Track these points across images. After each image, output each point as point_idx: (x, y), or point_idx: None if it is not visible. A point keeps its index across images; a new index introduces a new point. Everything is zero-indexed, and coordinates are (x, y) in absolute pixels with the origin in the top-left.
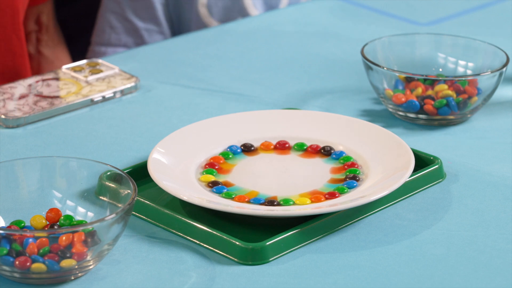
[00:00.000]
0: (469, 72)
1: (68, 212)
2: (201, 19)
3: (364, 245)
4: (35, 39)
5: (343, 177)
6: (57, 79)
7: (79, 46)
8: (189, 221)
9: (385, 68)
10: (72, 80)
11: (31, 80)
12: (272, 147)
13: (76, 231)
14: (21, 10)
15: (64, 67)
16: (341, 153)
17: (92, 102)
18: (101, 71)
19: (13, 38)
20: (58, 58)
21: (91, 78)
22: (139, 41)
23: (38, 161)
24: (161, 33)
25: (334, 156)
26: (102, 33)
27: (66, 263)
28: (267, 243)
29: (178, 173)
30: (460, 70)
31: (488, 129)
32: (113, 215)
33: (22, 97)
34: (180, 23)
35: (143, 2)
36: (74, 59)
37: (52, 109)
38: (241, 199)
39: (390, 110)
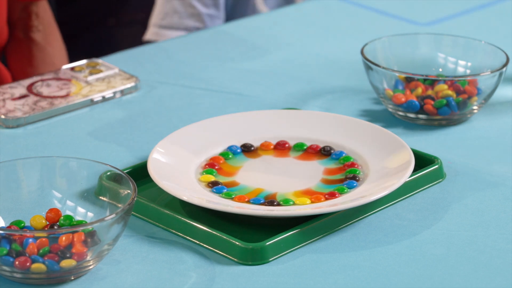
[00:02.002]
0: (469, 72)
1: (68, 212)
2: (256, 7)
3: (364, 245)
4: (25, 25)
5: (343, 177)
6: (57, 79)
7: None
8: (189, 221)
9: (385, 68)
10: (72, 80)
11: (31, 80)
12: (272, 147)
13: (76, 231)
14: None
15: (64, 67)
16: (341, 153)
17: (92, 102)
18: (101, 71)
19: None
20: (49, 43)
21: (91, 78)
22: (201, 25)
23: (38, 161)
24: (220, 18)
25: (334, 156)
26: (166, 16)
27: (66, 263)
28: (267, 243)
29: (178, 173)
30: (460, 70)
31: (488, 129)
32: (113, 215)
33: (22, 97)
34: (236, 9)
35: None
36: (75, 59)
37: (52, 109)
38: (241, 199)
39: (390, 110)
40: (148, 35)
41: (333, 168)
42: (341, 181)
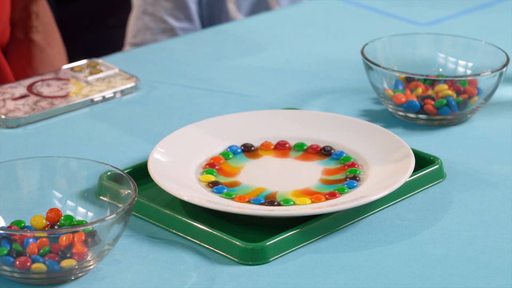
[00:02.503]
0: (469, 72)
1: (69, 212)
2: (230, 15)
3: (364, 245)
4: (25, 26)
5: (343, 177)
6: (57, 79)
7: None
8: (189, 221)
9: (385, 68)
10: (72, 80)
11: (31, 80)
12: (272, 147)
13: (77, 231)
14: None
15: (64, 67)
16: (341, 153)
17: (92, 102)
18: (101, 71)
19: None
20: (49, 44)
21: (91, 78)
22: None
23: (38, 161)
24: (195, 30)
25: (334, 156)
26: (138, 33)
27: (66, 263)
28: (267, 243)
29: (178, 173)
30: (460, 70)
31: (488, 129)
32: (113, 215)
33: (22, 97)
34: (211, 19)
35: (178, 2)
36: (75, 59)
37: (52, 109)
38: (241, 199)
39: (390, 110)
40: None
41: (333, 168)
42: (341, 181)
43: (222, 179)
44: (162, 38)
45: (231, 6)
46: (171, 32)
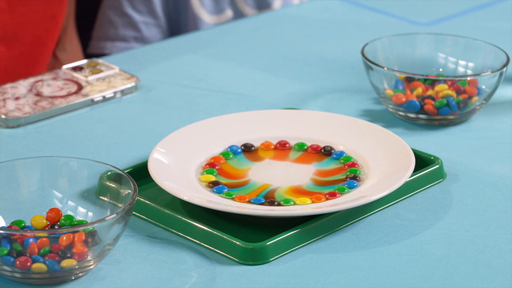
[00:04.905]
0: (469, 72)
1: (69, 212)
2: (193, 10)
3: (364, 245)
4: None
5: (344, 177)
6: (57, 79)
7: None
8: (189, 221)
9: (385, 68)
10: (72, 80)
11: (31, 80)
12: (272, 147)
13: (77, 231)
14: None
15: (64, 67)
16: (342, 153)
17: (92, 102)
18: (101, 71)
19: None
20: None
21: (91, 78)
22: (137, 34)
23: (39, 161)
24: (158, 26)
25: (334, 156)
26: (101, 28)
27: (66, 263)
28: (268, 243)
29: (178, 173)
30: (461, 70)
31: (488, 129)
32: (114, 215)
33: (22, 97)
34: (176, 15)
35: None
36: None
37: (52, 109)
38: (241, 199)
39: (391, 110)
40: (89, 48)
41: (333, 169)
42: (341, 181)
43: (222, 180)
44: (125, 33)
45: (194, 2)
46: (134, 26)
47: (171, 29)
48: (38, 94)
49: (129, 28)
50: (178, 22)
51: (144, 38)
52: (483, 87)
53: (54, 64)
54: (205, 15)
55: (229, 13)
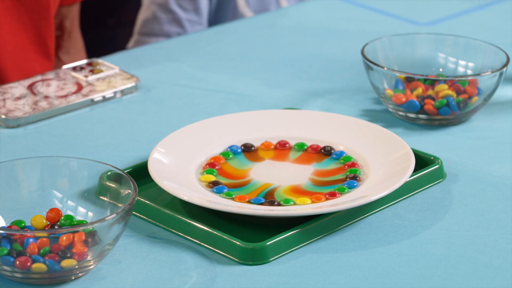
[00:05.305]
0: (469, 72)
1: (69, 212)
2: (238, 9)
3: (364, 245)
4: (57, 44)
5: (344, 177)
6: (57, 79)
7: None
8: (189, 221)
9: (385, 68)
10: (72, 80)
11: (31, 80)
12: (272, 147)
13: (77, 231)
14: (52, 5)
15: (64, 67)
16: (342, 153)
17: (92, 102)
18: (101, 71)
19: (43, 30)
20: None
21: (91, 78)
22: (181, 31)
23: (39, 161)
24: (201, 23)
25: (334, 156)
26: (146, 23)
27: (66, 263)
28: (268, 243)
29: (178, 173)
30: (461, 70)
31: (488, 129)
32: (114, 215)
33: (22, 97)
34: (217, 13)
35: None
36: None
37: (52, 109)
38: (241, 199)
39: (391, 110)
40: (131, 43)
41: (333, 169)
42: (341, 181)
43: (222, 180)
44: (169, 29)
45: (240, 1)
46: (178, 23)
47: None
48: (38, 94)
49: (173, 24)
50: (222, 21)
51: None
52: (483, 87)
53: (58, 66)
54: (249, 14)
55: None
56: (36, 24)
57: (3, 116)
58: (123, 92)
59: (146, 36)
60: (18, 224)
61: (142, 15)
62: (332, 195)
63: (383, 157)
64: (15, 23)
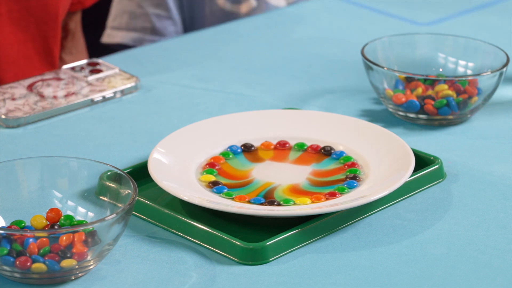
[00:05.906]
0: (469, 72)
1: (69, 212)
2: (215, 1)
3: (364, 245)
4: (60, 45)
5: (344, 177)
6: (57, 79)
7: None
8: (189, 221)
9: (385, 68)
10: (72, 80)
11: (31, 80)
12: (272, 147)
13: (77, 231)
14: (60, 15)
15: (64, 67)
16: (341, 153)
17: (92, 102)
18: (101, 71)
19: (50, 40)
20: None
21: (91, 78)
22: (149, 25)
23: (39, 161)
24: (169, 18)
25: (334, 156)
26: (116, 17)
27: (66, 263)
28: (267, 243)
29: (178, 173)
30: (460, 70)
31: (488, 129)
32: (114, 215)
33: (22, 97)
34: (192, 10)
35: None
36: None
37: (52, 109)
38: (241, 199)
39: (390, 110)
40: (103, 37)
41: (333, 169)
42: (341, 181)
43: (222, 180)
44: (136, 24)
45: None
46: (145, 18)
47: (184, 22)
48: (38, 94)
49: (141, 19)
50: (193, 16)
51: (156, 30)
52: (483, 87)
53: (60, 65)
54: (227, 6)
55: (252, 2)
56: (43, 35)
57: (3, 116)
58: (123, 92)
59: (116, 30)
60: (18, 224)
61: (113, 8)
62: (332, 195)
63: (383, 157)
64: (22, 34)
